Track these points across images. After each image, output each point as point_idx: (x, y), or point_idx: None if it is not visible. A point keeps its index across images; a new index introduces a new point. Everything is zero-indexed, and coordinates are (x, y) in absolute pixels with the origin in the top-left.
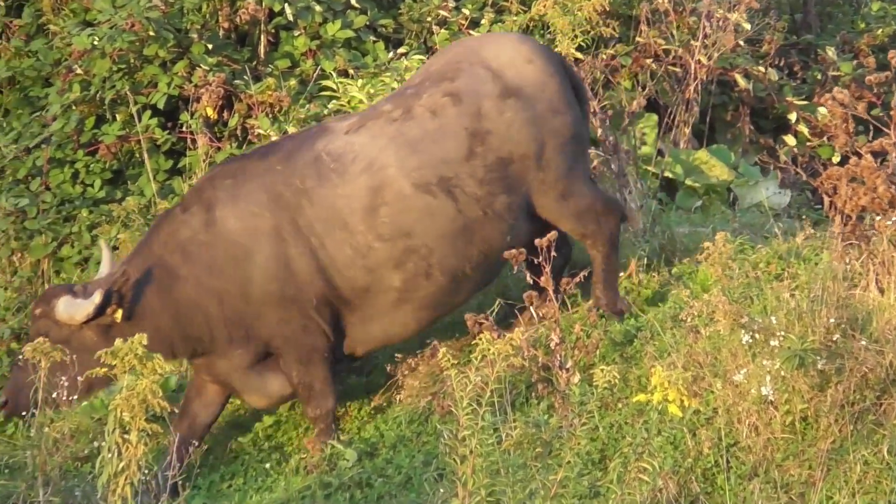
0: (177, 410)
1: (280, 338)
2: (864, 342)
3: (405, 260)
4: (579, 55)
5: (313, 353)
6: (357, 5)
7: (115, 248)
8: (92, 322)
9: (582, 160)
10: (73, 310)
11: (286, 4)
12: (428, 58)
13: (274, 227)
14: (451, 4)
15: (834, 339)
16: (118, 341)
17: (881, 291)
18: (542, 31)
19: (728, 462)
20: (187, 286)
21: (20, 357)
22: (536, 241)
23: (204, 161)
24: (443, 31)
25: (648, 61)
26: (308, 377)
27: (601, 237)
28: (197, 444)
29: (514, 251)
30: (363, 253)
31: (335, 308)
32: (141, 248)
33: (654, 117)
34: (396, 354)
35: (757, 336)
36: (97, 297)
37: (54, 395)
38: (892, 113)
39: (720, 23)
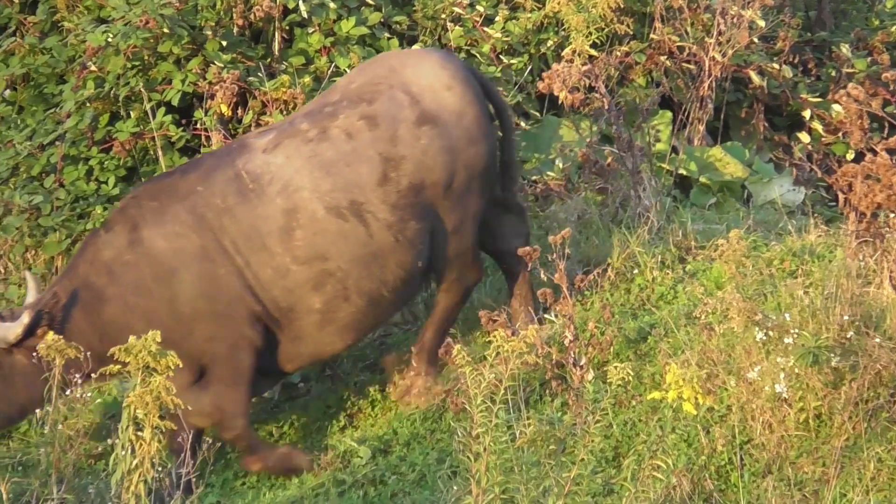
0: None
1: (210, 355)
2: (878, 339)
3: (323, 282)
4: (593, 52)
5: (239, 375)
6: (371, 2)
7: None
8: (22, 344)
9: (483, 198)
10: (2, 332)
11: (300, 1)
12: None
13: (201, 247)
14: (466, 1)
15: (848, 336)
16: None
17: (895, 289)
18: (556, 28)
19: (742, 459)
20: (114, 307)
21: None
22: (550, 238)
23: None
24: (457, 27)
25: (663, 58)
26: (223, 399)
27: (457, 288)
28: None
29: (528, 248)
30: (282, 274)
31: (266, 326)
32: (69, 270)
33: (669, 114)
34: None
35: (771, 333)
36: (26, 318)
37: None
38: None
39: (735, 20)
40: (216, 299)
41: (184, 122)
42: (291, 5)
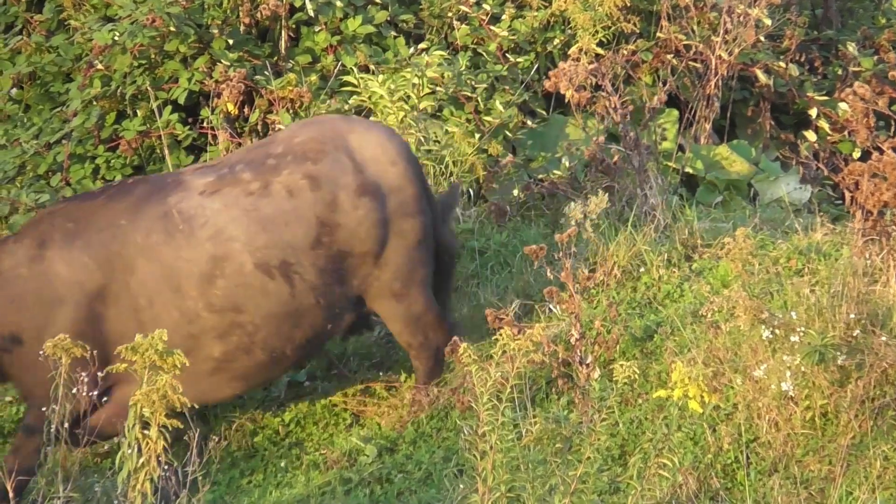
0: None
1: (42, 387)
2: (884, 338)
3: (229, 333)
4: (600, 51)
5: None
6: (378, 1)
7: None
8: None
9: (425, 266)
10: None
11: (307, 0)
12: (447, 54)
13: (99, 287)
14: (472, 0)
15: (854, 334)
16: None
17: None
18: (562, 27)
19: (748, 458)
20: None
21: None
22: (557, 237)
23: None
24: (463, 26)
25: (669, 57)
26: (30, 441)
27: (427, 351)
28: (216, 439)
29: (534, 247)
30: (190, 319)
31: None
32: None
33: (675, 113)
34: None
35: (777, 331)
36: None
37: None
38: None
39: (741, 18)
40: (87, 340)
41: (190, 120)
42: (298, 4)
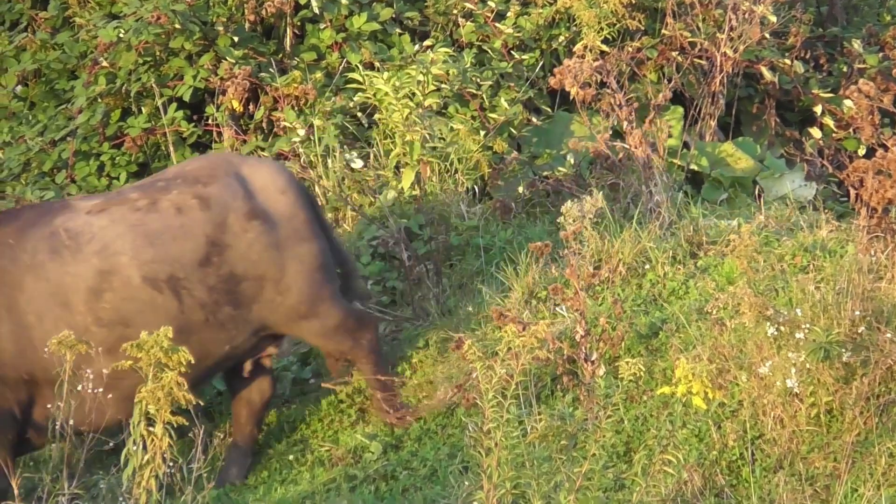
0: (202, 403)
1: None
2: (889, 335)
3: (119, 347)
4: (605, 48)
5: None
6: None
7: None
8: None
9: (330, 283)
10: None
11: None
12: (452, 51)
13: None
14: None
15: (859, 331)
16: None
17: None
18: (567, 24)
19: (753, 454)
20: None
21: None
22: (562, 234)
23: None
24: (468, 23)
25: (674, 54)
26: None
27: (360, 351)
28: (222, 436)
29: (539, 244)
30: (79, 334)
31: (38, 387)
32: None
33: (680, 110)
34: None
35: (782, 328)
36: None
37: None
38: None
39: (746, 15)
40: None
41: (195, 117)
42: (303, 1)
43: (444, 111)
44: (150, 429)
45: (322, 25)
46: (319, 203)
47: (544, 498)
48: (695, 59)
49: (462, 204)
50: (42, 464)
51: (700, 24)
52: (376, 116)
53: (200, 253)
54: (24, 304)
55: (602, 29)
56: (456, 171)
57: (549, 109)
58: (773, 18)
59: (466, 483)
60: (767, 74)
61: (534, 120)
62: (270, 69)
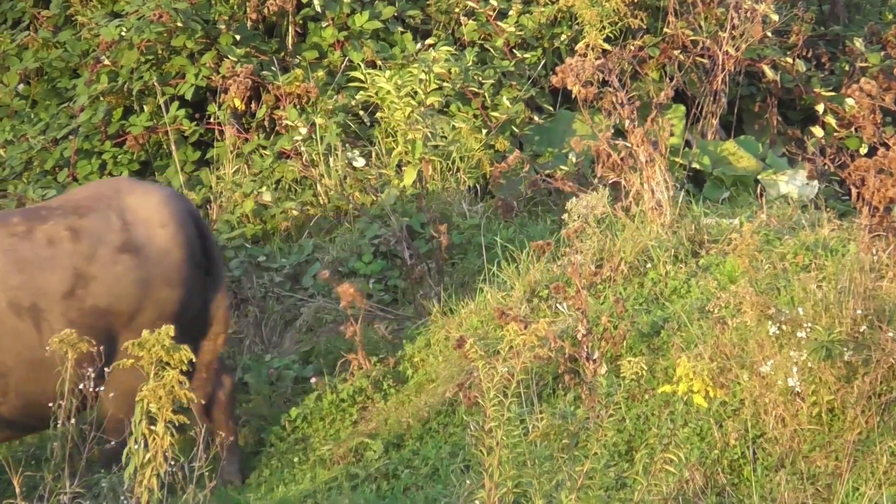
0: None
1: None
2: (891, 333)
3: None
4: (607, 46)
5: None
6: None
7: None
8: None
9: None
10: None
11: None
12: (454, 49)
13: None
14: None
15: (861, 330)
16: (145, 333)
17: None
18: (569, 23)
19: (754, 453)
20: None
21: None
22: (563, 232)
23: (231, 152)
24: (470, 22)
25: (676, 52)
26: None
27: (211, 392)
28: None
29: (541, 242)
30: None
31: None
32: None
33: (682, 108)
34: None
35: (784, 327)
36: None
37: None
38: None
39: (748, 14)
40: None
41: (197, 116)
42: None
43: (445, 110)
44: (152, 427)
45: (324, 24)
46: (212, 235)
47: (546, 497)
48: (697, 58)
49: (464, 202)
50: (44, 462)
51: (702, 23)
52: (378, 115)
53: (66, 286)
54: None
55: (604, 27)
56: (458, 170)
57: (550, 108)
58: (775, 17)
59: (468, 482)
60: (769, 73)
61: (536, 118)
62: (272, 67)
